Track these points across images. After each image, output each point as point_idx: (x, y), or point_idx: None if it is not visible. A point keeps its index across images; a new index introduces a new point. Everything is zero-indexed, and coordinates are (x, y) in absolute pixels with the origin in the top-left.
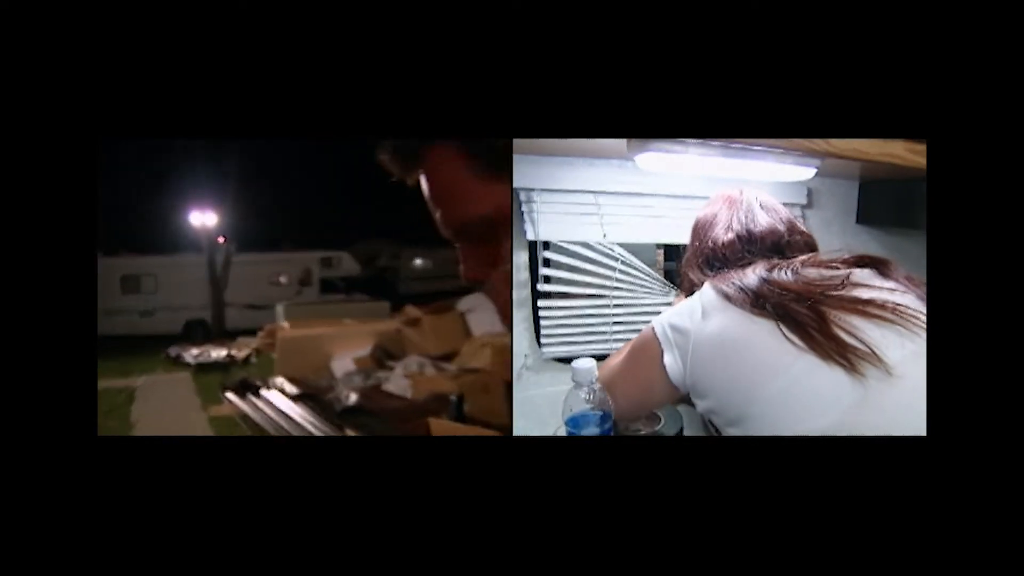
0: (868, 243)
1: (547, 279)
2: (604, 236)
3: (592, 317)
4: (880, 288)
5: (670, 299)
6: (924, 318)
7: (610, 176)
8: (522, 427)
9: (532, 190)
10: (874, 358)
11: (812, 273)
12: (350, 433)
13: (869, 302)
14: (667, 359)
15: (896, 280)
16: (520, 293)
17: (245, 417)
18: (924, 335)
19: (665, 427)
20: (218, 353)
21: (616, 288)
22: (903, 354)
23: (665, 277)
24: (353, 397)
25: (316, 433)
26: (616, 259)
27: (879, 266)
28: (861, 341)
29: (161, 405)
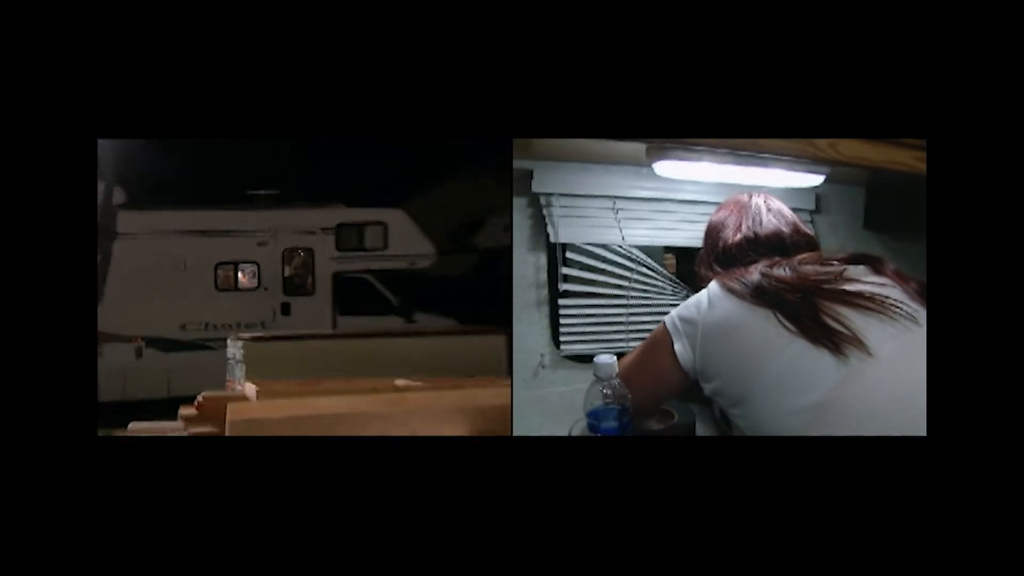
0: (874, 247)
1: (566, 278)
2: (623, 239)
3: (610, 316)
4: (869, 282)
5: (683, 300)
6: (905, 308)
7: (627, 181)
8: (536, 424)
9: (552, 194)
10: (856, 341)
11: (809, 269)
12: None
13: (855, 294)
14: (677, 347)
15: (886, 275)
16: (539, 293)
17: None
18: (904, 322)
19: (678, 423)
20: None
21: (633, 289)
22: (883, 338)
23: (679, 279)
24: None
25: None
26: (634, 261)
27: (872, 263)
28: (846, 327)
29: None
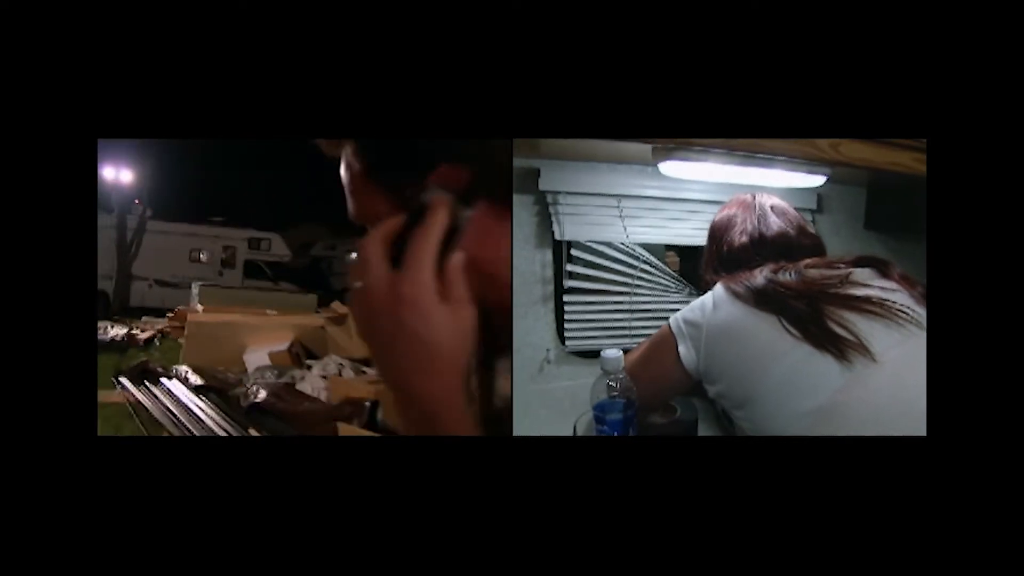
0: (876, 247)
1: (571, 275)
2: (627, 237)
3: (614, 313)
4: (875, 286)
5: (686, 297)
6: (910, 313)
7: (632, 181)
8: (542, 417)
9: (558, 193)
10: (861, 347)
11: (814, 273)
12: (253, 432)
13: (860, 298)
14: (682, 350)
15: (891, 279)
16: (545, 289)
17: (138, 407)
18: (909, 327)
19: (681, 417)
20: (116, 332)
21: (637, 286)
22: (887, 343)
23: (681, 276)
24: (262, 394)
25: (215, 429)
26: (638, 259)
27: (878, 266)
28: (850, 333)
29: None
